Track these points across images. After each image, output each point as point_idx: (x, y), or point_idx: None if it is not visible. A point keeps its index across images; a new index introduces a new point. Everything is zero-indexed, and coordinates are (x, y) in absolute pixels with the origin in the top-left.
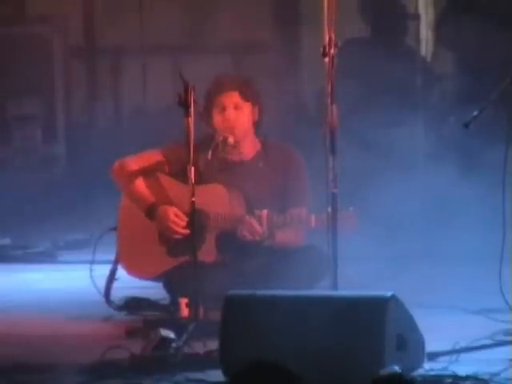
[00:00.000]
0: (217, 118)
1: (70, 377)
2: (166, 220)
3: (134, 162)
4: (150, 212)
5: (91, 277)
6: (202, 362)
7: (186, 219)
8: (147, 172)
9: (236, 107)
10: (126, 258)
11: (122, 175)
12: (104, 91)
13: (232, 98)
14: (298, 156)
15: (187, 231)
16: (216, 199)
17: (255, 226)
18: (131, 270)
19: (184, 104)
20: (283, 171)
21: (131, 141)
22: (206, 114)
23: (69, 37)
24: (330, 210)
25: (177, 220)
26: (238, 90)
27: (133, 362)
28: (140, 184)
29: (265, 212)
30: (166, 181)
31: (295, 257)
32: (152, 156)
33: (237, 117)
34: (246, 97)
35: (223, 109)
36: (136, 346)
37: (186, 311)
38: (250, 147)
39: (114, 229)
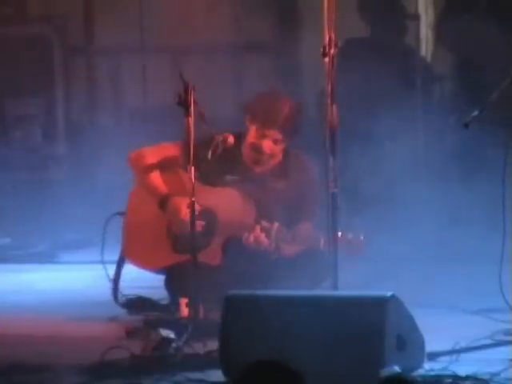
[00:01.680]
0: (253, 138)
1: (69, 377)
2: (177, 212)
3: (151, 154)
4: (163, 204)
5: (104, 267)
6: (202, 361)
7: (198, 212)
8: (163, 166)
9: (275, 142)
10: (130, 246)
11: (139, 166)
12: (104, 91)
13: (274, 135)
14: (315, 169)
15: (197, 225)
16: (229, 204)
17: (263, 237)
18: (133, 259)
19: (184, 104)
20: (299, 182)
21: (131, 141)
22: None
23: (69, 37)
24: (340, 234)
25: (188, 215)
26: (283, 132)
27: (133, 362)
28: (156, 176)
29: (276, 225)
30: (181, 175)
31: (297, 259)
32: (169, 148)
33: (272, 153)
34: (286, 138)
35: (263, 136)
36: (136, 346)
37: (186, 311)
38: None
39: (121, 214)
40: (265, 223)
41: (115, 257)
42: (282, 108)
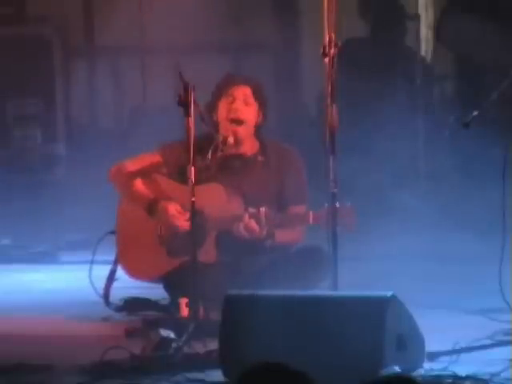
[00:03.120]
0: (223, 108)
1: (70, 377)
2: (166, 215)
3: (131, 164)
4: (151, 208)
5: (90, 281)
6: (202, 361)
7: (186, 214)
8: (145, 173)
9: (246, 102)
10: (125, 260)
11: (120, 177)
12: (104, 91)
13: (244, 92)
14: (296, 154)
15: (187, 224)
16: (214, 199)
17: (252, 224)
18: (131, 272)
19: (184, 104)
20: (281, 169)
21: (131, 141)
22: (210, 107)
23: (69, 37)
24: (327, 205)
25: (177, 214)
26: (252, 87)
27: (133, 362)
28: (139, 183)
29: (263, 209)
30: (163, 182)
31: (297, 258)
32: (149, 157)
33: (245, 111)
34: (256, 95)
35: (233, 100)
36: (136, 346)
37: (186, 311)
38: (249, 146)
39: (113, 232)
40: (252, 209)
41: (111, 256)
42: (240, 75)
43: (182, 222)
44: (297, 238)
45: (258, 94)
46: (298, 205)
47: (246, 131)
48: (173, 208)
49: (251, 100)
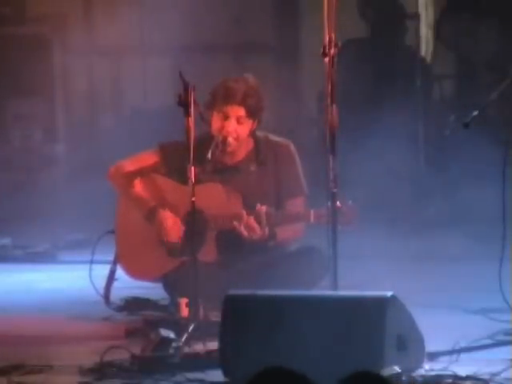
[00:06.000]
0: (216, 123)
1: (70, 377)
2: (163, 227)
3: (129, 164)
4: (149, 216)
5: (91, 280)
6: (202, 361)
7: (183, 228)
8: (143, 173)
9: (238, 121)
10: (125, 260)
11: (119, 177)
12: (104, 91)
13: (237, 112)
14: (289, 146)
15: (181, 239)
16: (214, 199)
17: (253, 224)
18: (131, 272)
19: (184, 104)
20: (276, 165)
21: (131, 141)
22: (205, 111)
23: (69, 37)
24: (329, 204)
25: (174, 229)
26: (245, 107)
27: (133, 362)
28: (138, 186)
29: (263, 208)
30: (162, 181)
31: (296, 258)
32: (147, 157)
33: (236, 130)
34: (250, 113)
35: (225, 117)
36: (136, 346)
37: (186, 311)
38: (242, 149)
39: (113, 231)
40: (252, 208)
41: (111, 255)
42: (239, 84)
43: (177, 239)
44: (298, 232)
45: (252, 111)
46: (296, 197)
47: (238, 143)
48: (170, 221)
49: (244, 119)
